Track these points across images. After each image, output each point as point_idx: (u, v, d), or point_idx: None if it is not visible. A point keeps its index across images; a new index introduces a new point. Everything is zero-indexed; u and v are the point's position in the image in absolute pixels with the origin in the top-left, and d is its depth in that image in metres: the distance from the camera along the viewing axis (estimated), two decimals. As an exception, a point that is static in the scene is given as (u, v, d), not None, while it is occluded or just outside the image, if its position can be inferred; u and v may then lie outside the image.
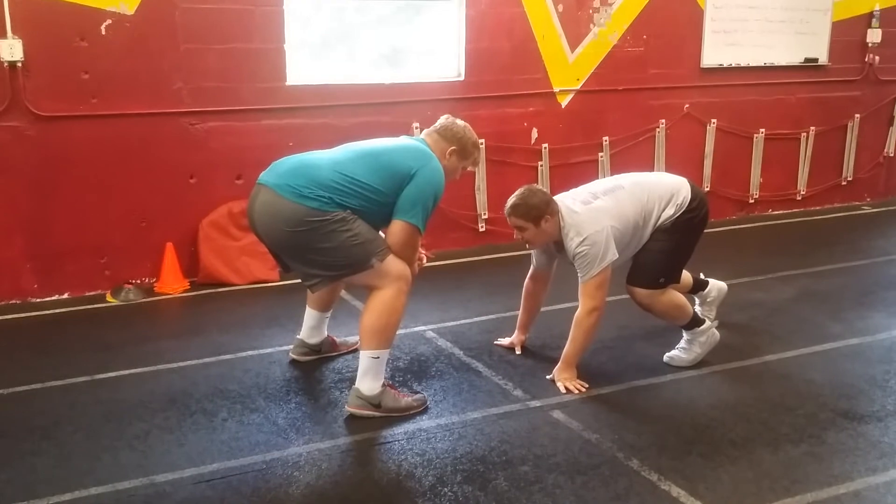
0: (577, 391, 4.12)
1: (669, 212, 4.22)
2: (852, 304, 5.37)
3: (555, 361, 4.27)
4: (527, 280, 4.57)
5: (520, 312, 4.64)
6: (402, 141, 4.03)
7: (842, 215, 8.03)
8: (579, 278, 4.14)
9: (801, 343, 4.73)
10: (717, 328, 4.54)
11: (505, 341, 4.69)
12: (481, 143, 6.49)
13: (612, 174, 6.41)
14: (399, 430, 3.74)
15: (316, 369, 4.41)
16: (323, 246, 3.69)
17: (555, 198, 4.21)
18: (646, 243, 4.25)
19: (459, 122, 4.12)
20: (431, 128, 4.09)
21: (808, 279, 5.90)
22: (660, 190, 4.27)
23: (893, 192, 8.57)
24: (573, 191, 4.37)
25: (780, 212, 7.98)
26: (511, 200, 4.16)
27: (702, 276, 4.92)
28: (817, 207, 8.14)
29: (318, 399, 4.09)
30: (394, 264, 3.80)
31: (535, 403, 4.00)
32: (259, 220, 3.82)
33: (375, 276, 3.78)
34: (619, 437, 3.67)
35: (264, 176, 3.85)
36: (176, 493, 3.26)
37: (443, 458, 3.53)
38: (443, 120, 4.11)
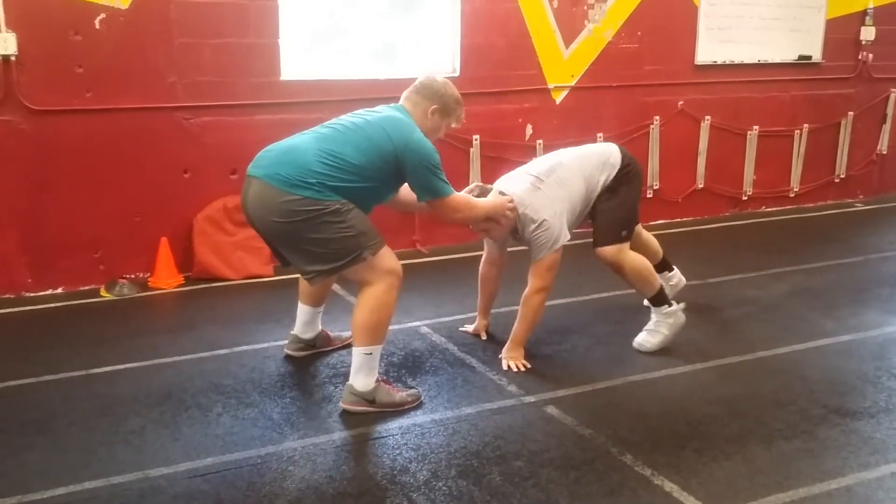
0: (516, 369, 4.27)
1: (607, 173, 4.46)
2: (845, 301, 5.39)
3: (548, 358, 4.30)
4: (482, 265, 4.70)
5: (479, 298, 4.76)
6: (380, 112, 3.95)
7: (835, 212, 8.04)
8: (531, 258, 4.30)
9: (794, 339, 4.75)
10: (683, 311, 4.62)
11: (470, 328, 4.79)
12: (475, 139, 6.52)
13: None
14: (393, 426, 3.75)
15: (311, 364, 4.41)
16: (316, 237, 3.68)
17: (498, 186, 4.34)
18: (595, 205, 4.47)
19: (439, 78, 4.09)
20: (410, 88, 4.04)
21: (802, 276, 5.92)
22: (596, 157, 4.52)
23: (886, 189, 8.59)
24: (511, 176, 4.48)
25: (774, 209, 7.99)
26: None
27: (667, 259, 5.07)
28: (810, 205, 8.16)
29: (312, 394, 4.09)
30: (386, 259, 3.80)
31: (530, 399, 4.01)
32: (253, 212, 3.81)
33: (367, 270, 3.77)
34: (613, 433, 3.68)
35: (253, 167, 3.84)
36: (171, 488, 3.26)
37: (437, 453, 3.53)
38: (422, 78, 4.07)
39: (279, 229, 3.75)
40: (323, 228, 3.67)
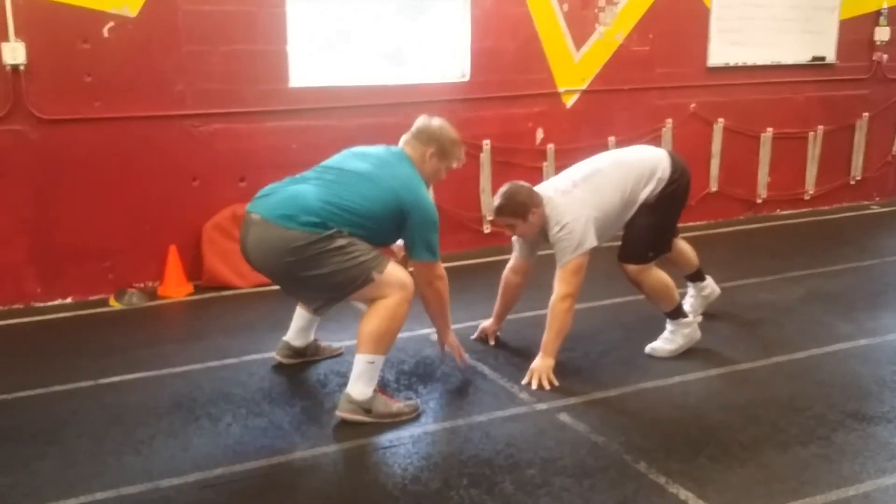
0: (537, 385, 4.13)
1: (651, 186, 4.32)
2: (862, 305, 5.33)
3: (560, 364, 4.25)
4: (506, 272, 4.64)
5: (497, 303, 4.70)
6: (385, 157, 3.96)
7: (850, 215, 7.98)
8: (557, 264, 4.22)
9: (810, 344, 4.69)
10: (699, 325, 4.62)
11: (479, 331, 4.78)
12: (485, 144, 6.49)
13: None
14: (404, 434, 3.72)
15: (320, 373, 4.38)
16: (323, 272, 3.67)
17: (536, 188, 4.32)
18: (632, 218, 4.36)
19: (436, 121, 4.09)
20: (409, 133, 4.07)
21: (817, 280, 5.86)
22: (640, 167, 4.36)
23: (902, 191, 8.53)
24: (553, 179, 4.52)
25: (788, 212, 7.93)
26: (497, 201, 4.28)
27: (701, 269, 4.99)
28: (826, 207, 8.09)
29: (322, 403, 4.06)
30: (394, 273, 3.78)
31: (542, 406, 3.97)
32: (254, 255, 3.81)
33: (378, 288, 3.75)
34: (627, 440, 3.64)
35: (253, 206, 3.83)
36: (181, 498, 3.25)
37: (448, 461, 3.50)
38: (418, 122, 4.09)
39: (283, 270, 3.75)
40: (327, 263, 3.66)
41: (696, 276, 4.95)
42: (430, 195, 3.95)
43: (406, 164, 3.95)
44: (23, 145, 5.23)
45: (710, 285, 5.02)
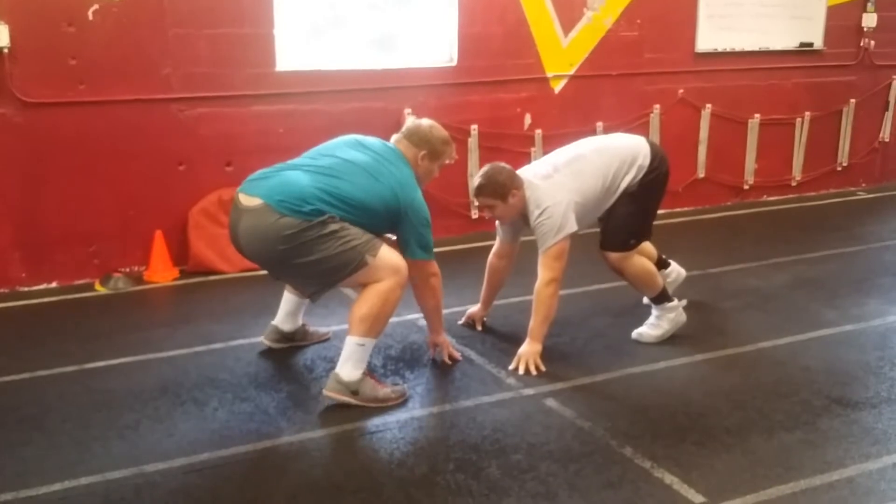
0: (524, 371, 4.14)
1: (632, 174, 4.33)
2: (847, 291, 5.35)
3: (546, 350, 4.25)
4: (491, 256, 4.65)
5: (483, 288, 4.71)
6: (384, 153, 3.96)
7: (837, 201, 8.00)
8: (539, 250, 4.22)
9: (795, 330, 4.71)
10: (684, 308, 4.61)
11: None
12: (473, 129, 6.47)
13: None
14: (391, 419, 3.72)
15: (306, 358, 4.38)
16: (316, 258, 3.66)
17: (519, 172, 4.32)
18: (613, 206, 4.37)
19: (425, 122, 4.14)
20: (400, 133, 4.09)
21: (803, 266, 5.88)
22: (621, 154, 4.37)
23: (889, 177, 8.54)
24: (535, 163, 4.55)
25: (775, 198, 7.94)
26: (477, 181, 4.29)
27: (663, 256, 5.00)
28: (812, 193, 8.11)
29: (309, 388, 4.06)
30: (389, 257, 3.77)
31: (528, 391, 3.97)
32: (246, 243, 3.78)
33: (372, 273, 3.75)
34: (613, 425, 3.65)
35: (247, 188, 3.79)
36: (166, 483, 3.24)
37: (435, 446, 3.51)
38: (408, 124, 4.15)
39: (275, 257, 3.73)
40: (320, 248, 3.65)
41: (659, 265, 4.92)
42: (424, 202, 3.97)
43: (404, 163, 3.97)
44: (7, 129, 5.19)
45: (675, 270, 5.04)
